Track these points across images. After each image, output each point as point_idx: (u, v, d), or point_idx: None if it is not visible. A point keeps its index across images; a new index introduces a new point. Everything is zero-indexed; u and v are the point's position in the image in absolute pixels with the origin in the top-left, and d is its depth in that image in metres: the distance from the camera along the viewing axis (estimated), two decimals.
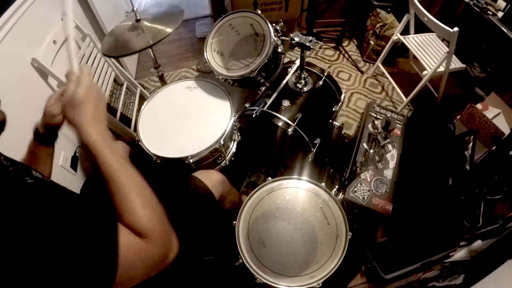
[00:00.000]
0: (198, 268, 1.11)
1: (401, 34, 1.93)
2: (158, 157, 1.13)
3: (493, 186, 1.33)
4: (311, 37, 1.12)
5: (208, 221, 1.01)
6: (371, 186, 1.26)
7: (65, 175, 1.30)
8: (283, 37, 1.32)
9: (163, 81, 1.65)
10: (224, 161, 1.27)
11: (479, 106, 1.60)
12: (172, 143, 1.16)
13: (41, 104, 1.31)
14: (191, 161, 1.11)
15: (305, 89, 1.34)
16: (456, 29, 1.46)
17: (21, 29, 1.18)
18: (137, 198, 0.51)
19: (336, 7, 2.45)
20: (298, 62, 1.39)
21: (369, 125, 1.47)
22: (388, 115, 1.53)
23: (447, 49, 1.60)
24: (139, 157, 1.14)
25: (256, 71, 1.24)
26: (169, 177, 1.13)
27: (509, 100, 1.61)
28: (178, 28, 1.27)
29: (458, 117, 1.68)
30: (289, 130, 1.19)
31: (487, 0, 1.66)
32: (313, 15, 2.31)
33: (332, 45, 2.51)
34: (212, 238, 1.12)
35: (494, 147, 1.46)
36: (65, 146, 1.38)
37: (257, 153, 1.62)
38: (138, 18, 1.31)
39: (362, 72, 2.32)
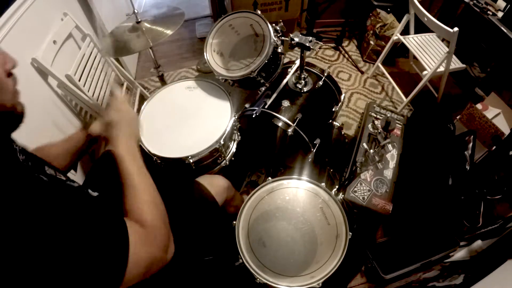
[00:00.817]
0: (198, 268, 1.11)
1: (401, 34, 1.93)
2: (158, 157, 1.13)
3: (493, 186, 1.33)
4: (311, 37, 1.12)
5: (209, 225, 1.01)
6: (371, 186, 1.26)
7: None
8: (283, 37, 1.32)
9: (163, 81, 1.65)
10: (224, 161, 1.27)
11: (479, 106, 1.60)
12: (172, 143, 1.16)
13: (41, 104, 1.32)
14: (191, 161, 1.11)
15: (305, 89, 1.34)
16: (456, 29, 1.46)
17: (21, 29, 1.18)
18: (144, 196, 0.59)
19: (336, 7, 2.45)
20: (298, 62, 1.39)
21: (369, 125, 1.47)
22: (388, 115, 1.53)
23: (447, 49, 1.60)
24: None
25: (256, 72, 1.24)
26: (171, 179, 1.13)
27: (509, 100, 1.62)
28: (178, 28, 1.28)
29: (458, 117, 1.68)
30: (289, 130, 1.19)
31: (487, 0, 1.66)
32: (313, 15, 2.31)
33: (332, 45, 2.51)
34: (212, 238, 1.12)
35: (494, 147, 1.46)
36: None
37: (257, 153, 1.62)
38: (139, 20, 1.31)
39: (362, 72, 2.32)
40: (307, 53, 1.20)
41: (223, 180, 1.11)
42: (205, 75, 2.31)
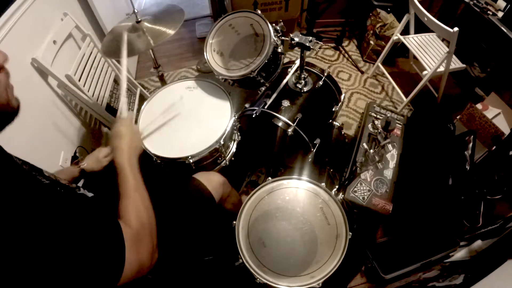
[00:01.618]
0: (198, 268, 1.11)
1: (401, 34, 1.93)
2: (158, 157, 1.13)
3: (493, 186, 1.33)
4: (311, 37, 1.12)
5: (208, 223, 1.01)
6: (371, 186, 1.26)
7: None
8: (283, 37, 1.32)
9: (163, 81, 1.65)
10: (224, 161, 1.27)
11: (479, 106, 1.60)
12: (172, 143, 1.16)
13: (41, 104, 1.32)
14: (191, 161, 1.11)
15: (305, 89, 1.34)
16: (456, 29, 1.46)
17: (21, 29, 1.18)
18: (138, 202, 0.63)
19: (336, 7, 2.45)
20: (298, 62, 1.39)
21: (369, 125, 1.47)
22: (388, 115, 1.53)
23: (447, 49, 1.60)
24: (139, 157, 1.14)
25: (256, 71, 1.24)
26: (169, 178, 1.13)
27: (509, 100, 1.61)
28: (178, 28, 1.27)
29: (458, 117, 1.68)
30: (289, 130, 1.19)
31: (487, 0, 1.66)
32: (313, 15, 2.31)
33: (332, 45, 2.51)
34: (212, 238, 1.13)
35: (494, 147, 1.46)
36: (65, 146, 1.38)
37: (257, 153, 1.62)
38: (139, 19, 1.31)
39: (362, 72, 2.32)
40: (307, 53, 1.20)
41: (219, 176, 1.11)
42: (205, 75, 2.31)
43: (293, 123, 1.21)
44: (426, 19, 1.64)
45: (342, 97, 1.47)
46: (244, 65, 1.31)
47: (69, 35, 1.51)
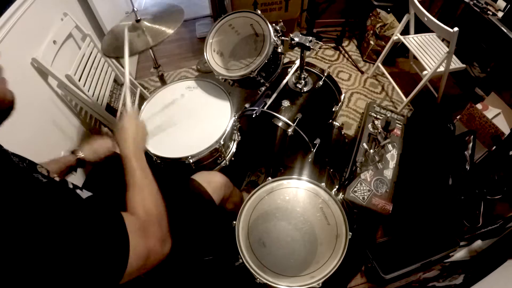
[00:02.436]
0: (198, 268, 1.11)
1: (401, 34, 1.93)
2: (158, 157, 1.13)
3: (493, 186, 1.33)
4: (311, 37, 1.12)
5: (207, 224, 1.00)
6: (371, 186, 1.26)
7: None
8: (283, 37, 1.32)
9: (163, 81, 1.65)
10: (224, 161, 1.27)
11: (479, 106, 1.60)
12: (172, 143, 1.16)
13: (41, 104, 1.31)
14: (191, 161, 1.11)
15: (305, 89, 1.34)
16: (456, 29, 1.46)
17: (21, 29, 1.18)
18: (145, 192, 0.63)
19: (336, 7, 2.45)
20: (298, 62, 1.39)
21: (369, 125, 1.47)
22: (388, 115, 1.53)
23: (447, 49, 1.60)
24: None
25: (256, 71, 1.24)
26: (169, 179, 1.13)
27: (509, 100, 1.61)
28: (178, 28, 1.27)
29: (458, 117, 1.68)
30: (289, 130, 1.19)
31: (487, 0, 1.66)
32: (313, 15, 2.31)
33: (332, 45, 2.51)
34: (212, 238, 1.12)
35: (494, 147, 1.46)
36: (65, 146, 1.38)
37: (257, 153, 1.62)
38: (138, 18, 1.31)
39: (362, 72, 2.32)
40: (307, 53, 1.20)
41: (220, 176, 1.09)
42: (205, 75, 2.31)
43: (293, 123, 1.21)
44: (426, 19, 1.64)
45: (342, 97, 1.47)
46: (244, 65, 1.31)
47: (69, 35, 1.51)
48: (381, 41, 2.21)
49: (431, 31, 1.79)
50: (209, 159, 1.20)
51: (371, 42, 2.27)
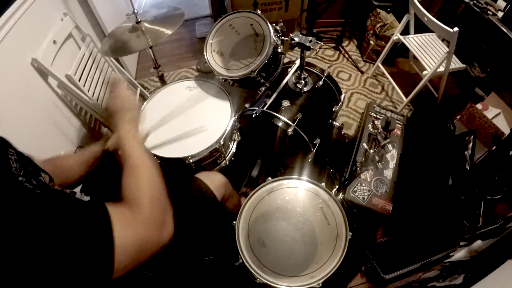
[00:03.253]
0: (198, 268, 1.11)
1: (401, 34, 1.93)
2: (158, 157, 1.13)
3: (493, 186, 1.33)
4: (311, 37, 1.12)
5: (209, 222, 1.01)
6: (371, 186, 1.26)
7: None
8: (283, 37, 1.32)
9: (163, 81, 1.65)
10: (224, 161, 1.27)
11: (479, 106, 1.60)
12: (172, 143, 1.16)
13: (41, 104, 1.32)
14: (191, 161, 1.11)
15: (305, 89, 1.34)
16: (456, 29, 1.46)
17: (21, 29, 1.18)
18: (143, 176, 0.60)
19: (336, 7, 2.45)
20: (298, 62, 1.39)
21: (369, 125, 1.47)
22: (388, 115, 1.53)
23: (447, 49, 1.60)
24: None
25: (256, 71, 1.24)
26: (169, 178, 1.13)
27: (509, 100, 1.61)
28: (178, 28, 1.28)
29: (458, 117, 1.68)
30: (289, 130, 1.19)
31: (487, 0, 1.66)
32: (313, 15, 2.31)
33: (332, 45, 2.51)
34: (212, 238, 1.12)
35: (494, 147, 1.46)
36: (65, 146, 1.38)
37: (257, 154, 1.62)
38: (139, 20, 1.31)
39: (362, 72, 2.32)
40: (307, 53, 1.20)
41: (221, 176, 1.11)
42: (205, 75, 2.31)
43: (293, 123, 1.21)
44: (426, 19, 1.64)
45: (342, 97, 1.47)
46: (244, 65, 1.31)
47: (69, 35, 1.51)
48: (381, 41, 2.21)
49: (431, 31, 1.79)
50: (209, 159, 1.20)
51: (371, 42, 2.27)
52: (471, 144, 1.42)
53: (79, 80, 1.38)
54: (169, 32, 1.25)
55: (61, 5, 1.51)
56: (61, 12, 1.48)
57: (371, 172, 1.30)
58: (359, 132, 1.50)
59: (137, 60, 2.52)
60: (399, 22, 1.92)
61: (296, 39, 1.12)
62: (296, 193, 1.05)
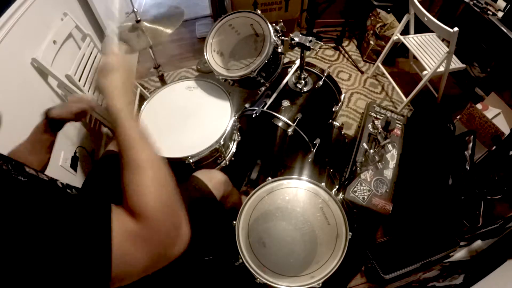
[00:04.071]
0: (198, 268, 1.11)
1: (401, 34, 1.93)
2: None
3: (493, 186, 1.33)
4: (311, 37, 1.12)
5: (209, 222, 1.01)
6: (371, 186, 1.26)
7: (65, 175, 1.30)
8: (283, 37, 1.32)
9: (163, 81, 1.65)
10: (224, 161, 1.27)
11: (479, 106, 1.60)
12: (172, 143, 1.16)
13: (41, 103, 1.31)
14: (191, 161, 1.11)
15: (305, 89, 1.34)
16: (456, 29, 1.46)
17: (21, 29, 1.18)
18: (148, 173, 0.46)
19: (336, 7, 2.45)
20: (298, 62, 1.39)
21: (369, 125, 1.47)
22: (388, 115, 1.53)
23: (447, 49, 1.60)
24: None
25: (256, 71, 1.24)
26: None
27: (509, 100, 1.61)
28: (178, 28, 1.28)
29: (458, 117, 1.68)
30: (289, 130, 1.19)
31: (487, 0, 1.66)
32: (313, 15, 2.31)
33: (332, 45, 2.51)
34: (212, 238, 1.12)
35: (494, 147, 1.46)
36: (65, 146, 1.38)
37: (257, 153, 1.62)
38: (138, 19, 1.31)
39: (362, 72, 2.32)
40: (307, 53, 1.20)
41: (220, 174, 1.10)
42: (205, 75, 2.31)
43: (293, 123, 1.21)
44: (426, 19, 1.64)
45: (342, 97, 1.47)
46: (244, 65, 1.31)
47: (69, 35, 1.51)
48: (381, 41, 2.21)
49: (431, 31, 1.79)
50: (209, 159, 1.20)
51: (371, 42, 2.27)
52: (471, 144, 1.42)
53: (79, 80, 1.38)
54: (169, 31, 1.25)
55: (61, 5, 1.51)
56: (61, 12, 1.48)
57: (371, 172, 1.30)
58: (359, 132, 1.50)
59: (137, 60, 2.52)
60: (399, 22, 1.92)
61: (296, 39, 1.12)
62: (296, 193, 1.05)
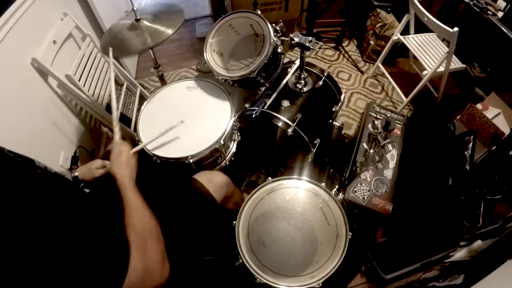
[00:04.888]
0: (198, 268, 1.11)
1: (401, 34, 1.93)
2: (158, 157, 1.13)
3: (493, 186, 1.33)
4: (311, 37, 1.12)
5: (208, 224, 1.01)
6: (371, 186, 1.26)
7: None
8: (283, 37, 1.32)
9: (163, 81, 1.65)
10: (224, 161, 1.27)
11: (479, 106, 1.60)
12: (172, 143, 1.16)
13: (41, 103, 1.31)
14: (191, 161, 1.11)
15: (305, 89, 1.34)
16: (456, 29, 1.46)
17: (21, 29, 1.18)
18: (137, 228, 0.62)
19: (336, 7, 2.45)
20: (298, 62, 1.39)
21: (369, 125, 1.47)
22: (388, 115, 1.53)
23: (447, 49, 1.60)
24: (140, 157, 1.14)
25: (256, 72, 1.24)
26: (170, 178, 1.13)
27: (509, 100, 1.61)
28: (178, 28, 1.27)
29: (458, 117, 1.68)
30: (289, 130, 1.19)
31: (487, 0, 1.66)
32: (313, 15, 2.31)
33: (332, 45, 2.51)
34: (212, 238, 1.12)
35: (494, 147, 1.46)
36: (65, 146, 1.38)
37: (257, 153, 1.62)
38: (138, 17, 1.30)
39: (362, 72, 2.32)
40: (307, 53, 1.20)
41: (222, 176, 1.10)
42: (205, 75, 2.31)
43: (293, 123, 1.21)
44: (426, 19, 1.64)
45: (342, 97, 1.47)
46: (244, 65, 1.31)
47: (69, 35, 1.51)
48: (381, 41, 2.21)
49: (431, 31, 1.79)
50: (209, 159, 1.20)
51: (371, 42, 2.27)
52: (471, 144, 1.42)
53: (79, 80, 1.38)
54: (169, 31, 1.24)
55: (61, 5, 1.51)
56: (61, 12, 1.48)
57: (371, 172, 1.30)
58: (359, 132, 1.50)
59: (137, 60, 2.52)
60: (399, 22, 1.92)
61: (296, 39, 1.12)
62: (296, 193, 1.05)
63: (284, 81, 1.38)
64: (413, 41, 1.89)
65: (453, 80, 2.17)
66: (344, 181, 1.31)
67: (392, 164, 1.33)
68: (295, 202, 1.02)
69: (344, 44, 2.50)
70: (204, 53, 1.35)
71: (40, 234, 0.39)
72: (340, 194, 1.20)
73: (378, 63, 2.16)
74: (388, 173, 1.30)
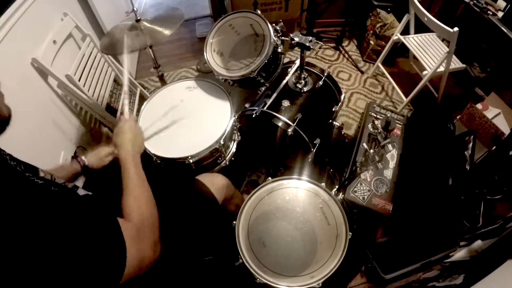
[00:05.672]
0: (198, 268, 1.11)
1: (401, 34, 1.93)
2: (158, 157, 1.13)
3: (493, 186, 1.33)
4: (311, 37, 1.12)
5: (209, 224, 1.01)
6: (371, 186, 1.26)
7: None
8: (283, 37, 1.32)
9: (163, 81, 1.65)
10: (224, 161, 1.27)
11: (479, 106, 1.60)
12: (172, 143, 1.16)
13: (41, 103, 1.31)
14: (191, 161, 1.11)
15: (305, 89, 1.34)
16: (456, 29, 1.46)
17: (21, 29, 1.18)
18: (142, 203, 0.64)
19: (336, 7, 2.45)
20: (298, 62, 1.39)
21: (369, 125, 1.47)
22: (388, 115, 1.53)
23: (447, 49, 1.60)
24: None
25: (256, 71, 1.24)
26: (170, 179, 1.13)
27: (509, 100, 1.61)
28: (178, 28, 1.28)
29: (458, 117, 1.68)
30: (289, 130, 1.19)
31: (487, 0, 1.66)
32: (313, 15, 2.31)
33: (332, 45, 2.51)
34: (212, 238, 1.12)
35: (494, 147, 1.46)
36: (65, 146, 1.38)
37: (257, 153, 1.62)
38: (138, 18, 1.31)
39: (362, 72, 2.32)
40: (307, 53, 1.20)
41: (223, 178, 1.11)
42: (205, 75, 2.31)
43: (293, 123, 1.21)
44: (426, 19, 1.64)
45: (342, 97, 1.47)
46: (244, 65, 1.31)
47: (69, 35, 1.51)
48: (381, 41, 2.21)
49: (431, 31, 1.79)
50: (209, 159, 1.20)
51: (371, 42, 2.27)
52: (471, 144, 1.42)
53: (79, 80, 1.38)
54: (168, 32, 1.24)
55: (61, 5, 1.51)
56: (61, 12, 1.48)
57: (371, 172, 1.30)
58: (359, 132, 1.50)
59: (137, 60, 2.52)
60: (399, 22, 1.92)
61: (296, 39, 1.12)
62: (296, 193, 1.05)
63: (284, 81, 1.38)
64: (413, 41, 1.89)
65: (453, 80, 2.17)
66: (344, 181, 1.31)
67: (392, 164, 1.33)
68: (295, 202, 1.02)
69: (344, 44, 2.50)
70: (204, 53, 1.35)
71: (36, 245, 0.40)
72: (340, 194, 1.20)
73: (378, 63, 2.16)
74: (388, 173, 1.30)
